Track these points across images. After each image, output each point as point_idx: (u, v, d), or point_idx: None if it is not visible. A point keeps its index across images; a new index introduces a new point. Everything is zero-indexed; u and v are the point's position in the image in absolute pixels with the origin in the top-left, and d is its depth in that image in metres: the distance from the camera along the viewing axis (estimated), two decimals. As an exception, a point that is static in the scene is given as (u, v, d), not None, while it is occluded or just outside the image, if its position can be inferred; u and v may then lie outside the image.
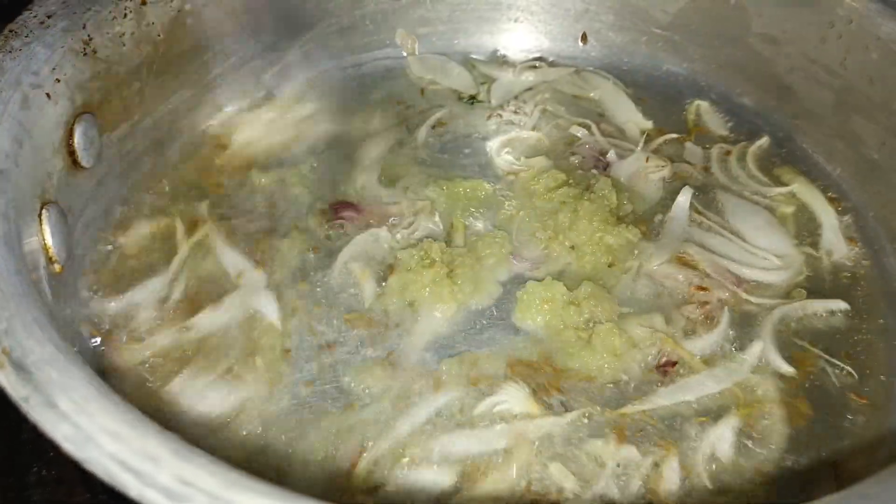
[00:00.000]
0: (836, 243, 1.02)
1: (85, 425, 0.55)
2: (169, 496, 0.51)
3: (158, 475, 0.52)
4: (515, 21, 1.30)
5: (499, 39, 1.31)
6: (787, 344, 0.92)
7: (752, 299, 0.95)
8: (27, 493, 0.88)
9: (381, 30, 1.27)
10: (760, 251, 1.01)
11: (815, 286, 0.98)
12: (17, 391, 0.57)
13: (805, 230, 1.05)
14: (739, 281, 0.97)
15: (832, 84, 1.08)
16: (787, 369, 0.89)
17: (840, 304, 0.95)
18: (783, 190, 1.08)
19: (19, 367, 0.59)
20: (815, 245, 1.03)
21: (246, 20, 1.14)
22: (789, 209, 1.07)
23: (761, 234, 1.03)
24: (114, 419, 0.56)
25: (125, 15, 0.97)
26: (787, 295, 0.97)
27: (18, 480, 0.90)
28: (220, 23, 1.11)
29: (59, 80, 0.87)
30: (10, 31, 0.87)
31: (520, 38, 1.31)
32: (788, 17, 1.11)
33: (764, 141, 1.15)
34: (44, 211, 0.82)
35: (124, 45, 0.98)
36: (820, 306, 0.95)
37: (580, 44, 1.29)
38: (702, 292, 0.96)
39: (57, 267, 0.83)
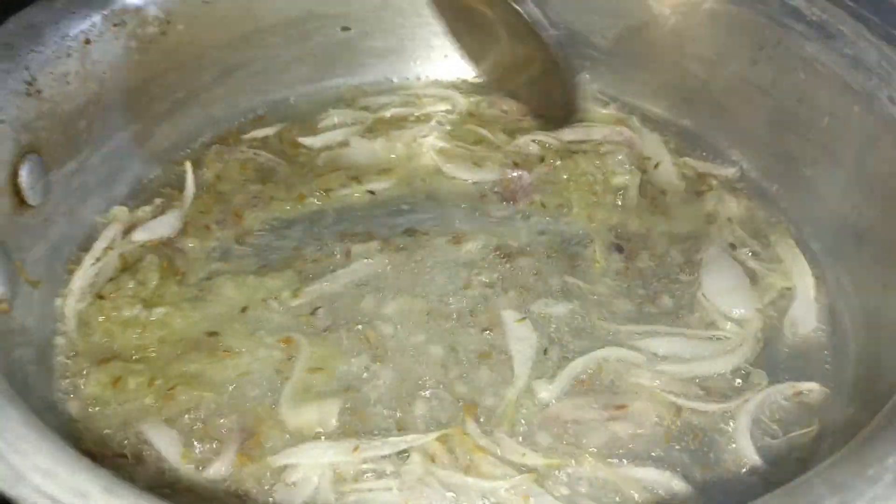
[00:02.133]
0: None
1: (18, 464, 0.57)
2: (97, 531, 0.52)
3: (87, 511, 0.53)
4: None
5: (451, 67, 1.34)
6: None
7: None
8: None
9: (329, 62, 1.29)
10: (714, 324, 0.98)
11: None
12: (-49, 433, 0.58)
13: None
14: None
15: (765, 104, 1.12)
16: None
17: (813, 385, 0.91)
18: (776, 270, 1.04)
19: (-46, 410, 0.60)
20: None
21: (192, 56, 1.16)
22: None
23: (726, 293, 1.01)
24: (46, 457, 0.57)
25: (69, 55, 0.99)
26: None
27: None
28: (167, 59, 1.13)
29: (2, 122, 0.89)
30: (-48, 75, 0.88)
31: (465, 64, 1.34)
32: (721, 40, 1.15)
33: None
34: (-13, 250, 0.83)
35: (69, 83, 0.99)
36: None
37: None
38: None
39: (3, 306, 0.84)
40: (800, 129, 1.07)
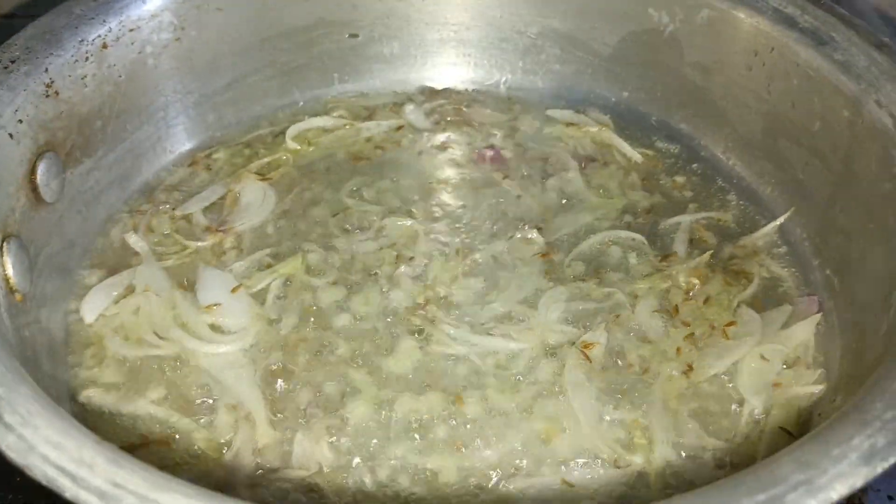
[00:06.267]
0: None
1: (28, 436, 0.60)
2: (102, 497, 0.56)
3: (93, 479, 0.57)
4: (467, 56, 1.37)
5: (453, 73, 1.38)
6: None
7: None
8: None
9: (335, 67, 1.33)
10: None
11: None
12: (-32, 407, 0.62)
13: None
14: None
15: (760, 109, 1.14)
16: None
17: None
18: None
19: (-30, 386, 0.64)
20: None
21: (205, 61, 1.20)
22: None
23: None
24: (55, 431, 0.61)
25: (87, 58, 1.03)
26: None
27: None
28: (181, 62, 1.17)
29: (21, 121, 0.92)
30: (-26, 76, 0.93)
31: (471, 72, 1.37)
32: (717, 48, 1.17)
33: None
34: (5, 244, 0.87)
35: (86, 86, 1.03)
36: None
37: None
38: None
39: (17, 296, 0.88)
40: (792, 133, 1.09)
